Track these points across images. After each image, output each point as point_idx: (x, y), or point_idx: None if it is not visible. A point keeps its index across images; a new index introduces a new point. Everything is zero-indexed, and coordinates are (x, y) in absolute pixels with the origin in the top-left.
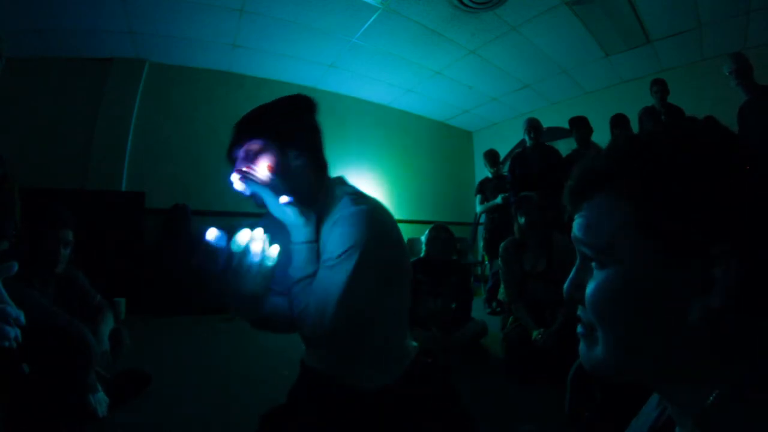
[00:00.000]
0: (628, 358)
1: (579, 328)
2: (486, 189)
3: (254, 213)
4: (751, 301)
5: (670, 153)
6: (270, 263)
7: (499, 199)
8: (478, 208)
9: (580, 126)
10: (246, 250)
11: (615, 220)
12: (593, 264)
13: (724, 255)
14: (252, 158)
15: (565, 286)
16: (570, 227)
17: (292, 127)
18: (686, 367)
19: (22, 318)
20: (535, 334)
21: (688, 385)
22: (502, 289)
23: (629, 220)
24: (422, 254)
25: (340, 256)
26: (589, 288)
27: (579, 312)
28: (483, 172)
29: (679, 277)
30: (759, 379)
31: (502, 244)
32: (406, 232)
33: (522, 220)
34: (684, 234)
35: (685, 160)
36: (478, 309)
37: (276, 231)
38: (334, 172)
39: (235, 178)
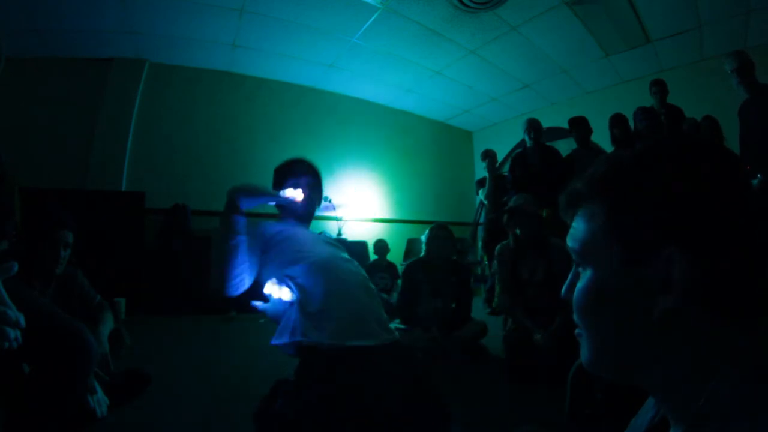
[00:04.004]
0: (605, 355)
1: (576, 330)
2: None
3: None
4: (711, 303)
5: (630, 175)
6: None
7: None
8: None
9: (579, 126)
10: None
11: (591, 228)
12: (580, 268)
13: (673, 256)
14: None
15: (563, 289)
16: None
17: None
18: (661, 365)
19: (22, 320)
20: (536, 335)
21: (672, 385)
22: (497, 294)
23: (601, 228)
24: (422, 254)
25: None
26: (575, 290)
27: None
28: (483, 171)
29: (641, 277)
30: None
31: (497, 249)
32: (406, 232)
33: (518, 231)
34: (640, 237)
35: (640, 179)
36: (478, 309)
37: None
38: (334, 172)
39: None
